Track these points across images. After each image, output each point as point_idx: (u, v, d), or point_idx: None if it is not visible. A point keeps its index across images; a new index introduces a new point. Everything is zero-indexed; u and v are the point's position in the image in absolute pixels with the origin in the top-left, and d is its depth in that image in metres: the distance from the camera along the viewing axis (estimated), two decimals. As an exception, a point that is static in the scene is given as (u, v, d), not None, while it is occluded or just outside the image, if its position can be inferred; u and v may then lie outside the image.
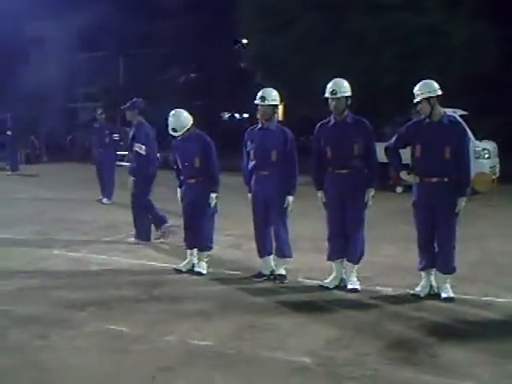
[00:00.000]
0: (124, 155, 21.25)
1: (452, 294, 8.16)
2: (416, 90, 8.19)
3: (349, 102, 8.58)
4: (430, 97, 8.09)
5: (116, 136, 17.75)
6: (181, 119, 9.56)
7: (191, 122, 9.59)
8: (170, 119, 9.58)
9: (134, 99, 12.21)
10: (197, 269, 9.57)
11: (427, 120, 8.21)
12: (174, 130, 9.54)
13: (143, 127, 11.90)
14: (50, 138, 34.18)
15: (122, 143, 19.37)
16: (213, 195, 9.47)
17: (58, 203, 16.67)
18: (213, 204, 9.50)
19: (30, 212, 15.21)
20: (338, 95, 8.51)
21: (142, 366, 6.12)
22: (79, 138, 35.55)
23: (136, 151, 11.68)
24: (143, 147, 11.65)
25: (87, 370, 6.08)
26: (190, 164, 9.54)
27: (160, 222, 12.08)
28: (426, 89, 8.15)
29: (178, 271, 9.58)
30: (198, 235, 9.62)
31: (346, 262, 8.71)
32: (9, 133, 25.89)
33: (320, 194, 8.83)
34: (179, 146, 9.74)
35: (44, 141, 33.33)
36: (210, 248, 9.70)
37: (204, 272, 9.51)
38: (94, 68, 36.58)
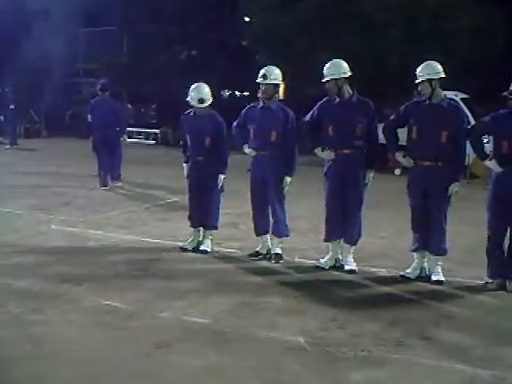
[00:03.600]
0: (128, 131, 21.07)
1: (442, 278, 8.20)
2: (419, 70, 8.15)
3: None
4: (432, 78, 8.06)
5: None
6: (206, 90, 9.39)
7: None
8: (196, 91, 9.37)
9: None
10: (202, 247, 9.56)
11: (426, 102, 8.18)
12: (202, 100, 9.32)
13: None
14: (49, 113, 34.02)
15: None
16: (221, 176, 9.45)
17: (56, 178, 16.64)
18: (220, 185, 9.50)
19: (29, 186, 15.18)
20: (327, 78, 8.53)
21: (136, 342, 6.15)
22: (79, 113, 35.41)
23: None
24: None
25: (82, 344, 6.10)
26: (200, 143, 9.47)
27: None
28: (428, 70, 8.11)
29: (183, 249, 9.57)
30: (205, 214, 9.61)
31: (343, 243, 8.73)
32: (12, 106, 25.83)
33: (318, 150, 8.75)
34: (189, 122, 9.63)
35: (44, 115, 33.20)
36: (216, 227, 9.70)
37: (209, 250, 9.51)
38: (96, 43, 36.32)
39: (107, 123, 15.45)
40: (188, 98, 9.41)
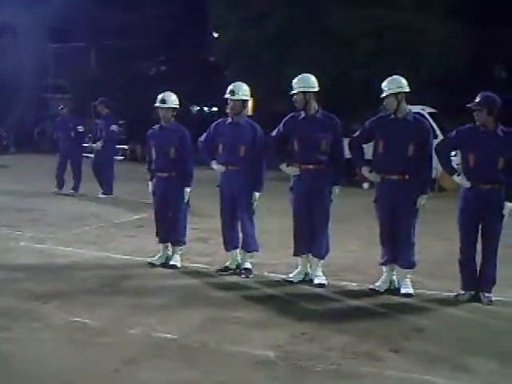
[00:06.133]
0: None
1: (411, 290, 8.24)
2: (384, 85, 8.22)
3: (310, 98, 8.61)
4: (398, 92, 8.13)
5: (80, 128, 17.61)
6: (172, 97, 9.47)
7: (178, 107, 9.52)
8: (160, 95, 9.47)
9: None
10: (171, 262, 9.54)
11: (392, 116, 8.25)
12: (163, 101, 9.41)
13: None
14: (18, 129, 33.88)
15: (90, 135, 19.26)
16: (187, 189, 9.45)
17: (25, 194, 16.55)
18: (186, 198, 9.48)
19: (-4, 203, 15.07)
20: (297, 90, 8.57)
21: (106, 359, 6.10)
22: (48, 129, 35.27)
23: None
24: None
25: (51, 362, 6.05)
26: (165, 154, 9.46)
27: None
28: (393, 84, 8.18)
29: (152, 265, 9.54)
30: (171, 230, 9.59)
31: (311, 257, 8.75)
32: None
33: (284, 166, 8.80)
34: (156, 135, 9.65)
35: (12, 131, 33.03)
36: (184, 243, 9.69)
37: (178, 265, 9.49)
38: (64, 59, 36.24)
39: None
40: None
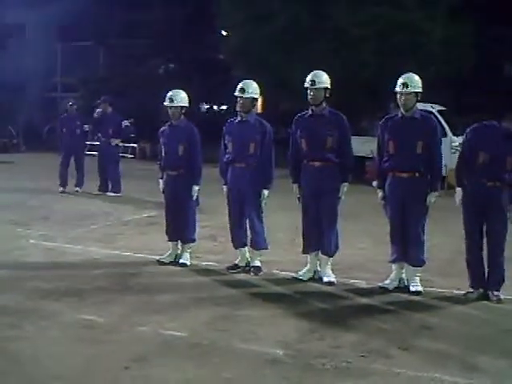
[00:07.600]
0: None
1: (420, 288, 8.23)
2: (405, 82, 8.10)
3: (327, 94, 8.59)
4: (419, 92, 8.13)
5: (86, 127, 17.67)
6: (181, 95, 9.49)
7: (187, 105, 9.55)
8: (169, 93, 9.49)
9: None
10: (181, 260, 9.54)
11: (399, 115, 8.24)
12: (171, 99, 9.42)
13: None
14: (28, 128, 33.92)
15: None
16: (195, 187, 9.46)
17: (35, 193, 16.58)
18: (195, 196, 9.49)
19: (7, 201, 15.08)
20: (317, 86, 8.52)
21: (115, 356, 6.11)
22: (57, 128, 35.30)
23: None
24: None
25: (60, 360, 6.06)
26: (174, 152, 9.49)
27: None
28: (418, 83, 8.13)
29: (161, 263, 9.54)
30: (182, 228, 9.60)
31: (320, 255, 8.74)
32: None
33: (295, 187, 8.86)
34: (166, 133, 9.68)
35: (22, 130, 33.08)
36: (194, 240, 9.69)
37: (188, 263, 9.49)
38: (73, 58, 36.29)
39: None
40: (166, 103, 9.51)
